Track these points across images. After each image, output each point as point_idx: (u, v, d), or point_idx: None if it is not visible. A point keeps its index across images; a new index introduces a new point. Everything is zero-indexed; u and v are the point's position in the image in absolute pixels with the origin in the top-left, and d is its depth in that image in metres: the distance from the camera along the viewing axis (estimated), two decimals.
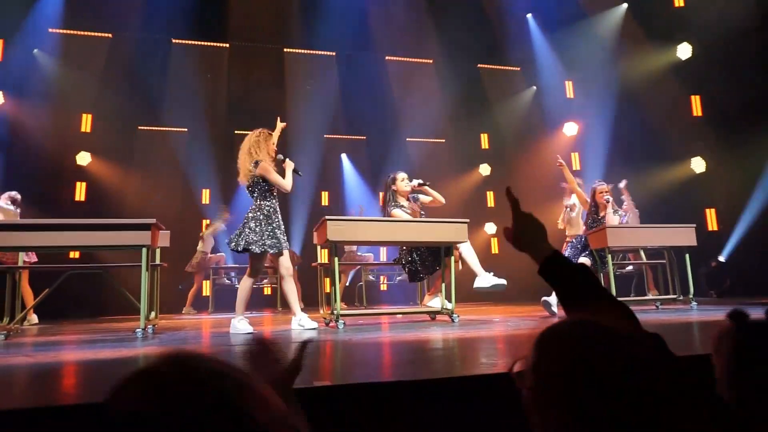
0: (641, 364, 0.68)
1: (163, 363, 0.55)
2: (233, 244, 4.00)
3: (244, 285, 4.06)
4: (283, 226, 4.15)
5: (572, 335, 0.70)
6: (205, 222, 9.80)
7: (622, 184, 7.49)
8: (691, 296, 5.39)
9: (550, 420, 0.67)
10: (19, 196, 6.11)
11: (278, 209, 4.18)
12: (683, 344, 2.36)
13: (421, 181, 5.02)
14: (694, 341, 2.66)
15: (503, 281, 4.61)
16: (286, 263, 4.03)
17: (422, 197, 5.10)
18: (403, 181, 4.94)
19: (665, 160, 8.21)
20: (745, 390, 0.85)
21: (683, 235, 5.34)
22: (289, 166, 4.19)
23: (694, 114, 8.09)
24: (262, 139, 4.24)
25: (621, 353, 0.68)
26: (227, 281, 9.09)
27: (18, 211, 5.99)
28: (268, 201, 4.13)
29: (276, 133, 4.24)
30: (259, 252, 3.96)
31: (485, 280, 4.59)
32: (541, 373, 0.69)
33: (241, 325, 3.90)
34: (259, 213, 4.06)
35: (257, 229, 3.98)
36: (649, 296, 6.51)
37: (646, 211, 7.65)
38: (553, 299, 4.74)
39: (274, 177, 4.07)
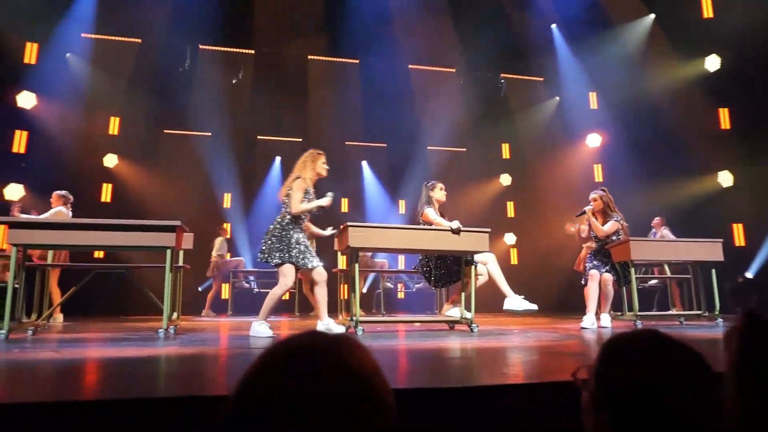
0: (695, 375, 0.73)
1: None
2: (264, 257, 3.99)
3: (275, 293, 4.02)
4: (307, 241, 4.13)
5: (635, 344, 0.77)
6: (226, 225, 9.93)
7: (656, 221, 7.42)
8: (716, 312, 5.27)
9: (603, 422, 0.71)
10: (71, 197, 6.15)
11: (301, 226, 4.15)
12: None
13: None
14: (719, 359, 2.60)
15: (534, 306, 4.64)
16: (321, 271, 4.01)
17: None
18: (441, 190, 4.99)
19: (691, 174, 8.07)
20: (747, 384, 0.88)
21: (709, 250, 5.22)
22: (322, 201, 4.14)
23: (722, 127, 7.94)
24: (309, 159, 4.29)
25: (678, 364, 0.74)
26: (246, 285, 9.17)
27: (70, 212, 6.05)
28: (291, 222, 4.08)
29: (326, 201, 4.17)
30: (281, 263, 3.97)
31: (516, 303, 4.61)
32: (602, 378, 0.75)
33: (261, 328, 3.93)
34: (280, 226, 4.05)
35: (280, 240, 3.99)
36: (673, 311, 6.38)
37: (671, 224, 7.52)
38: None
39: (294, 194, 4.08)
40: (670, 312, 6.30)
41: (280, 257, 3.93)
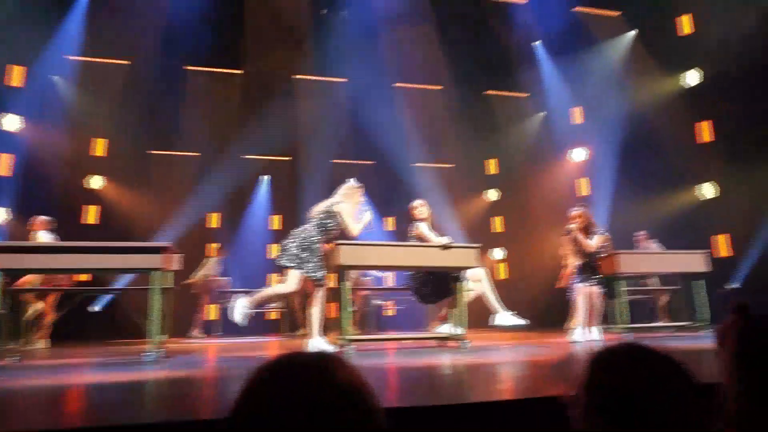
0: (678, 385, 0.76)
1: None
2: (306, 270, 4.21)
3: (315, 307, 4.24)
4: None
5: (621, 357, 0.80)
6: (214, 246, 9.86)
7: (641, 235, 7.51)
8: (707, 323, 5.31)
9: None
10: (54, 222, 6.03)
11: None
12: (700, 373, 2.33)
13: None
14: (707, 369, 2.61)
15: (523, 321, 4.70)
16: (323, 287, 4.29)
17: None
18: (422, 206, 5.09)
19: (675, 186, 8.19)
20: (749, 378, 0.91)
21: (696, 261, 5.29)
22: (366, 217, 4.65)
23: (705, 140, 8.09)
24: (351, 192, 4.85)
25: (663, 376, 0.77)
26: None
27: (55, 237, 5.95)
28: (320, 235, 4.43)
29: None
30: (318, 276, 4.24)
31: (506, 319, 4.68)
32: (592, 391, 0.78)
33: (318, 344, 4.07)
34: (310, 240, 4.33)
35: (307, 254, 4.27)
36: (661, 323, 6.43)
37: (657, 237, 7.60)
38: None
39: (347, 219, 4.46)
40: (659, 324, 6.35)
41: (313, 268, 4.23)
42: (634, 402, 0.73)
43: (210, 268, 8.68)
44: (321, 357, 0.64)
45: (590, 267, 5.24)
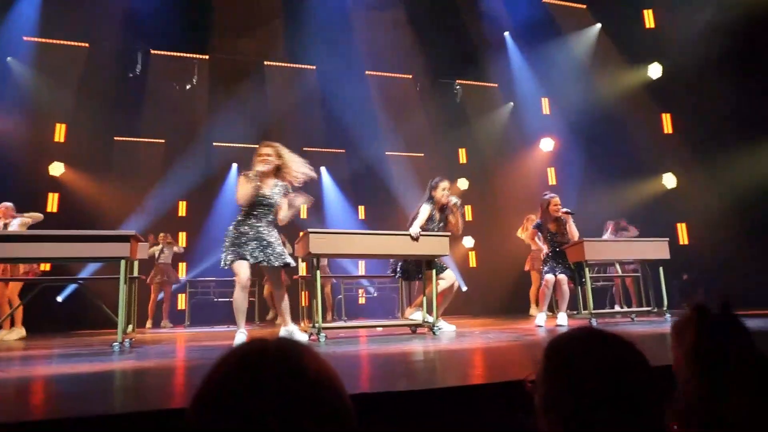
0: (631, 367, 0.75)
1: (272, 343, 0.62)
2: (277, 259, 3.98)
3: (282, 298, 4.10)
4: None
5: (575, 343, 0.81)
6: (181, 235, 9.68)
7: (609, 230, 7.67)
8: (665, 308, 5.51)
9: (555, 422, 0.74)
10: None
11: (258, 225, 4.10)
12: (659, 355, 2.42)
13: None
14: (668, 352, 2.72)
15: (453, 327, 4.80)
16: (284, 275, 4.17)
17: (450, 216, 5.06)
18: (444, 190, 4.99)
19: (639, 176, 8.43)
20: (703, 376, 0.95)
21: (657, 249, 5.47)
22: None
23: (665, 131, 8.34)
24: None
25: (614, 357, 0.77)
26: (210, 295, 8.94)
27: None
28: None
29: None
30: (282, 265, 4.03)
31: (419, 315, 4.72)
32: (547, 378, 0.79)
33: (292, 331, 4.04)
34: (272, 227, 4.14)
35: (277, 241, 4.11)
36: (620, 309, 6.65)
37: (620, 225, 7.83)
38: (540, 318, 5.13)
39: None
40: (622, 309, 6.55)
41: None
42: (589, 387, 0.74)
43: (163, 256, 8.45)
44: (285, 344, 0.62)
45: (559, 254, 5.35)
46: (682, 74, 7.76)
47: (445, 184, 4.99)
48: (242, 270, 3.81)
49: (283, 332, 4.02)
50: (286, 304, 4.06)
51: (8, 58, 8.12)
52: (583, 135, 9.01)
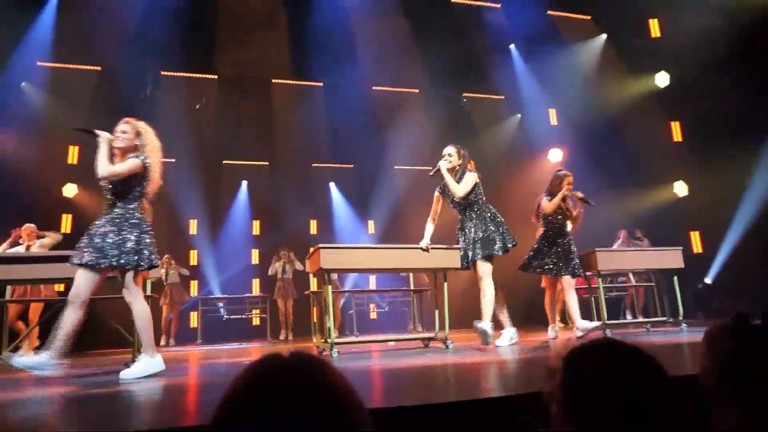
0: (650, 378, 0.75)
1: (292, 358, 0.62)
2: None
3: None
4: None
5: (594, 353, 0.81)
6: (192, 252, 9.73)
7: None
8: (681, 318, 5.44)
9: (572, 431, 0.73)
10: None
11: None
12: (678, 365, 2.39)
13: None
14: (686, 362, 2.69)
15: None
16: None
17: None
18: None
19: (648, 185, 8.39)
20: (744, 388, 0.94)
21: (671, 258, 5.41)
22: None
23: (675, 140, 8.31)
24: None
25: (635, 370, 0.78)
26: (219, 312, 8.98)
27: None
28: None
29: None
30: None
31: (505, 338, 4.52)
32: (565, 388, 0.79)
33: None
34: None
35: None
36: (637, 319, 6.56)
37: (631, 234, 7.78)
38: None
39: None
40: (637, 320, 6.48)
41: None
42: (608, 398, 0.74)
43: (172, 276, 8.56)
44: (302, 358, 0.62)
45: (556, 242, 5.12)
46: (689, 82, 7.75)
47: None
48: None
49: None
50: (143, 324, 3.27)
51: (23, 83, 8.29)
52: (592, 145, 9.00)
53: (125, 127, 3.46)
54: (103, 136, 3.38)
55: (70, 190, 8.81)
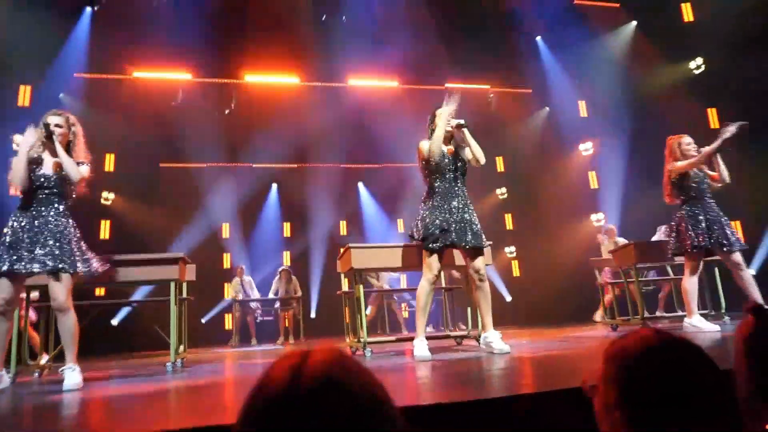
0: (699, 370, 0.73)
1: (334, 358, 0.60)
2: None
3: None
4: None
5: (636, 345, 0.79)
6: (225, 255, 9.91)
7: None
8: (723, 311, 5.27)
9: (619, 425, 0.72)
10: None
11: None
12: (723, 358, 2.31)
13: (461, 122, 3.87)
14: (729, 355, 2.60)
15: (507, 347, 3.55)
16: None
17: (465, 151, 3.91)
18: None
19: None
20: (757, 374, 0.92)
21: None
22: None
23: (712, 127, 8.03)
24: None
25: (681, 360, 0.76)
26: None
27: None
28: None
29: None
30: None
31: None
32: (612, 381, 0.77)
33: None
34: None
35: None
36: (679, 313, 6.37)
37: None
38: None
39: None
40: (677, 314, 6.30)
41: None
42: (657, 389, 0.73)
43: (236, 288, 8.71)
44: (328, 355, 0.61)
45: (708, 208, 4.41)
46: (725, 66, 7.49)
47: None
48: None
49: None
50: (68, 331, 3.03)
51: (60, 95, 8.58)
52: (624, 136, 8.79)
53: (58, 119, 3.26)
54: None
55: (107, 197, 9.09)
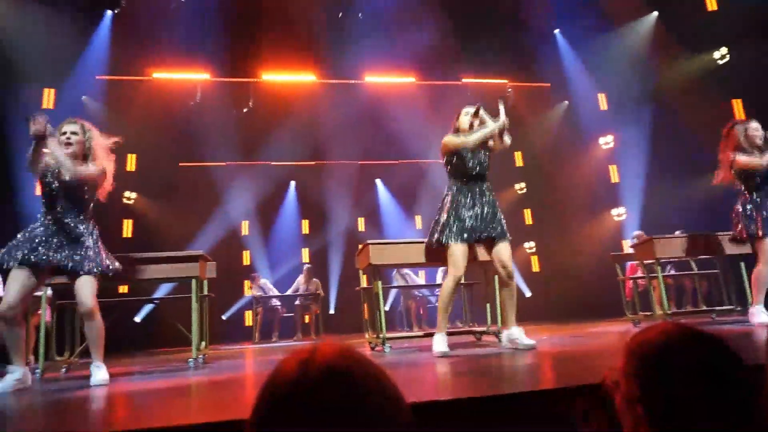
0: (724, 365, 0.73)
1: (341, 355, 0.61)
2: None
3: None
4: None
5: (660, 339, 0.77)
6: (245, 253, 10.01)
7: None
8: (749, 306, 5.14)
9: (641, 420, 0.71)
10: None
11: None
12: (750, 354, 2.26)
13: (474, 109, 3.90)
14: (752, 351, 2.54)
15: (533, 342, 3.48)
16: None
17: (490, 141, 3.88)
18: (466, 116, 3.93)
19: (709, 168, 7.95)
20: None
21: (737, 243, 5.11)
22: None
23: (737, 118, 7.85)
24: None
25: (706, 354, 0.74)
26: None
27: None
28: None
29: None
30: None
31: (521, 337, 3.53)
32: (636, 376, 0.76)
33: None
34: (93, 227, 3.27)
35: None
36: (704, 308, 6.26)
37: (694, 220, 7.41)
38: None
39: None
40: (702, 309, 6.18)
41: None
42: (682, 384, 0.71)
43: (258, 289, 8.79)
44: (336, 349, 0.62)
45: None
46: (751, 55, 7.30)
47: (466, 109, 4.02)
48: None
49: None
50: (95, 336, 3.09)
51: (83, 97, 8.75)
52: (646, 129, 8.63)
53: (73, 127, 3.24)
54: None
55: (129, 197, 9.25)
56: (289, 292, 8.75)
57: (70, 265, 2.97)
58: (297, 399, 0.56)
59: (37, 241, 2.96)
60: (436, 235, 3.62)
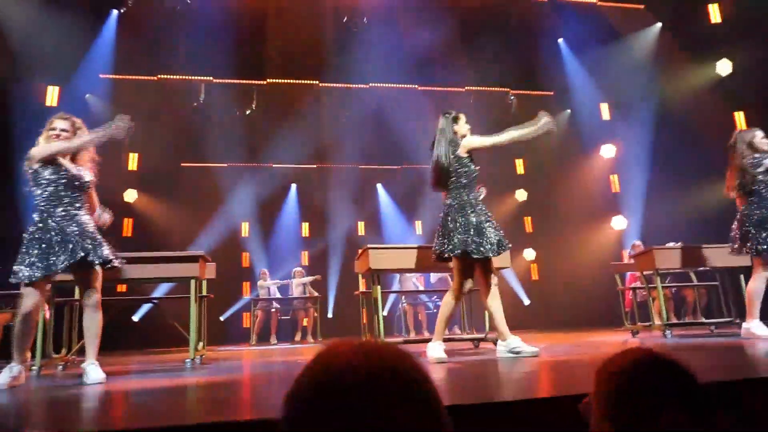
0: (678, 388, 0.80)
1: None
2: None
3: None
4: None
5: (625, 364, 0.85)
6: (245, 254, 10.00)
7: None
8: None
9: None
10: None
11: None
12: (740, 368, 2.26)
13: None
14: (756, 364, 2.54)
15: (535, 349, 3.46)
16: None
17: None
18: (466, 124, 4.09)
19: (711, 180, 7.96)
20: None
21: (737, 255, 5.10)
22: None
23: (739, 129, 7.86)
24: None
25: (661, 379, 0.81)
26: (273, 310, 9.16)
27: None
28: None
29: None
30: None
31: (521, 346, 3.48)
32: (598, 399, 0.84)
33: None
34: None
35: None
36: (703, 320, 6.24)
37: (695, 232, 7.40)
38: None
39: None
40: (701, 321, 6.17)
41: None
42: (639, 408, 0.78)
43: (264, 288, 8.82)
44: (377, 345, 0.61)
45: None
46: (754, 68, 7.32)
47: (463, 116, 4.12)
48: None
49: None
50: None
51: (87, 95, 8.77)
52: (648, 139, 8.64)
53: (63, 123, 3.29)
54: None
55: (130, 196, 9.25)
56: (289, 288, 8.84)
57: (81, 254, 2.96)
58: (360, 391, 0.56)
59: (50, 252, 2.94)
60: (480, 246, 3.49)
